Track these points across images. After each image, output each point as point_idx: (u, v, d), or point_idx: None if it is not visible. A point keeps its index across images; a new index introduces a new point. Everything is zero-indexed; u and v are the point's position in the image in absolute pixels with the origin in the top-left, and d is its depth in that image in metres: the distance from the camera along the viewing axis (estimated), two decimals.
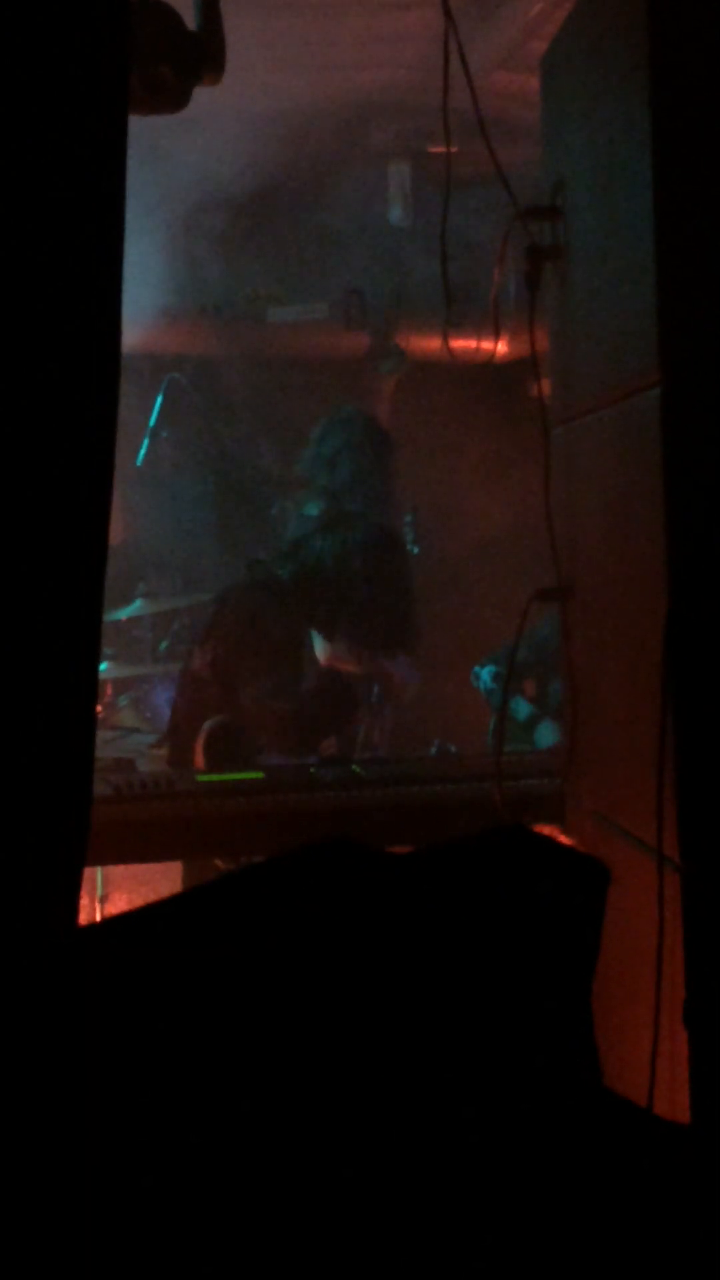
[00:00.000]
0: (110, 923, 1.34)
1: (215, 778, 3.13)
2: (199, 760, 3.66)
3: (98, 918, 3.95)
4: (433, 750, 3.82)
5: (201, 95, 2.34)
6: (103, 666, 4.80)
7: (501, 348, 2.64)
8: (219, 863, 3.27)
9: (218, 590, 4.27)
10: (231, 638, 3.92)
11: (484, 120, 2.39)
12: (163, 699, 4.92)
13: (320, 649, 4.10)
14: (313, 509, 4.34)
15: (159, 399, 5.35)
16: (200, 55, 2.29)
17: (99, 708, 4.60)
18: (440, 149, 2.54)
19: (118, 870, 4.12)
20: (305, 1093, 1.15)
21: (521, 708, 3.80)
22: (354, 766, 3.21)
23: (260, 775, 3.18)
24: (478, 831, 1.35)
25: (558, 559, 2.44)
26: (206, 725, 3.66)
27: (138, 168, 1.53)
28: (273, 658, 3.89)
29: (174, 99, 2.28)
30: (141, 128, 1.76)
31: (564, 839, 2.46)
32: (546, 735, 3.75)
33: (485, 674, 4.02)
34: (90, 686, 1.51)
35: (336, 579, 3.95)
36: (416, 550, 5.12)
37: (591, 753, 2.35)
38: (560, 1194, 1.19)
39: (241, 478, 5.83)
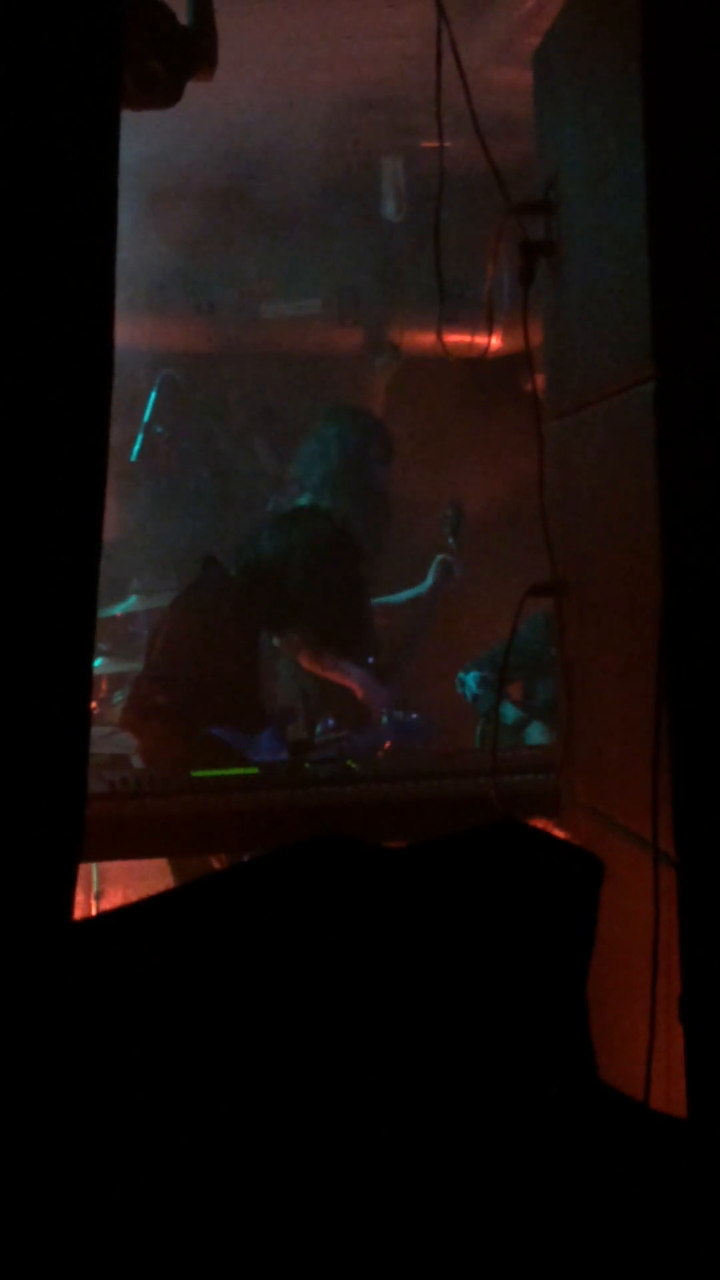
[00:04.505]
0: (105, 918, 1.34)
1: (209, 774, 3.13)
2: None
3: (93, 914, 3.94)
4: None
5: (194, 90, 2.33)
6: (97, 663, 4.80)
7: (495, 342, 2.65)
8: (213, 860, 3.27)
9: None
10: (180, 642, 3.86)
11: (477, 115, 2.38)
12: None
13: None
14: (294, 504, 4.32)
15: (153, 395, 5.34)
16: (193, 51, 2.29)
17: (93, 704, 4.60)
18: (433, 144, 2.54)
19: (113, 866, 4.11)
20: (299, 1087, 1.15)
21: (509, 711, 3.74)
22: (348, 762, 3.21)
23: (255, 771, 3.18)
24: (472, 826, 1.35)
25: (552, 554, 2.44)
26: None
27: (129, 163, 1.53)
28: (223, 660, 3.84)
29: (166, 94, 2.28)
30: (132, 122, 1.76)
31: (558, 834, 2.46)
32: (535, 738, 3.71)
33: (470, 680, 3.92)
34: (84, 683, 1.51)
35: (278, 576, 3.90)
36: (452, 541, 4.87)
37: (586, 747, 2.35)
38: (557, 1189, 1.19)
39: (236, 473, 5.83)
